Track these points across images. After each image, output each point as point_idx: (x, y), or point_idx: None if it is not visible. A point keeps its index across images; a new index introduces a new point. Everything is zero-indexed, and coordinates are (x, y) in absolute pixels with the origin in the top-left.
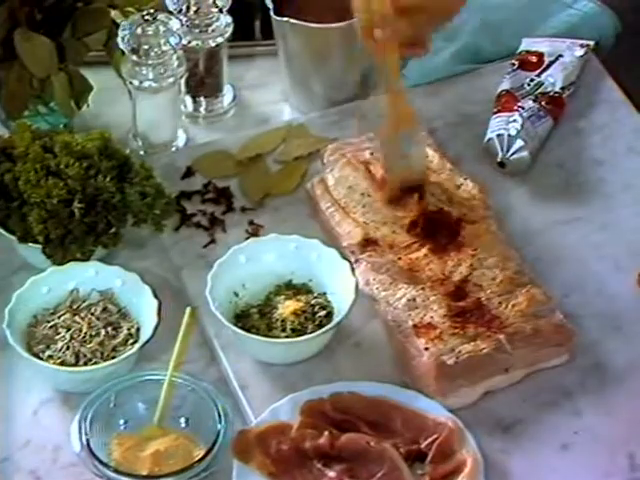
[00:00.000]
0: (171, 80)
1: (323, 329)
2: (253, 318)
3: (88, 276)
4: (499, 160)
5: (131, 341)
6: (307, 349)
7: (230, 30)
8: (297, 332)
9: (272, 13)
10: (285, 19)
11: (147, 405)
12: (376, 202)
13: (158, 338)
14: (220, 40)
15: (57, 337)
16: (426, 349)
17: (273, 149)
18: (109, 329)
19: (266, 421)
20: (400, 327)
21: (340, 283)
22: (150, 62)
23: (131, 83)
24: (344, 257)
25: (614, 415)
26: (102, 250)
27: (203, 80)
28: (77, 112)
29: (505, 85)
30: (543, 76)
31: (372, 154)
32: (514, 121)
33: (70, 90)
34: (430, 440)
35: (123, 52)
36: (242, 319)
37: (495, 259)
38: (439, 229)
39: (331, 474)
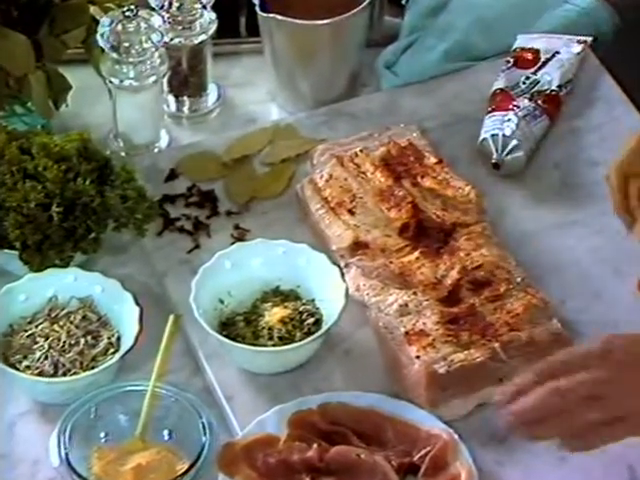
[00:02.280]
0: (153, 79)
1: (312, 337)
2: (239, 326)
3: (67, 283)
4: (494, 161)
5: (112, 350)
6: (295, 358)
7: (214, 27)
8: (285, 340)
9: (258, 9)
10: (271, 15)
11: (129, 417)
12: (367, 204)
13: (140, 347)
14: (204, 37)
15: (35, 347)
16: (417, 357)
17: (259, 150)
18: (89, 338)
19: (253, 433)
20: (392, 334)
21: (329, 289)
22: (131, 60)
23: (111, 82)
24: (333, 262)
25: None
26: (81, 256)
27: (186, 79)
28: (55, 112)
29: (500, 83)
30: (539, 74)
31: (361, 151)
32: (509, 120)
33: (48, 89)
34: (423, 452)
35: (103, 50)
36: (227, 327)
37: (489, 263)
38: (432, 232)
39: None
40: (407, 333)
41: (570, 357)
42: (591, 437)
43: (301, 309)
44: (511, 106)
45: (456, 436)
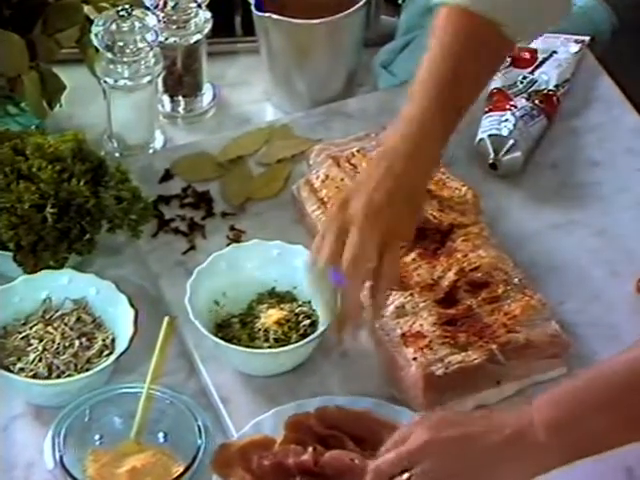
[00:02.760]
0: (148, 79)
1: (308, 339)
2: (234, 328)
3: (61, 285)
4: (491, 161)
5: (106, 352)
6: (291, 360)
7: (209, 26)
8: (280, 342)
9: (253, 8)
10: (267, 14)
11: (123, 419)
12: None
13: (135, 349)
14: (199, 37)
15: (29, 349)
16: (414, 359)
17: (255, 151)
18: (83, 340)
19: (249, 435)
20: (388, 336)
21: None
22: (125, 60)
23: (105, 82)
24: None
25: None
26: (76, 257)
27: (181, 78)
28: (49, 113)
29: (497, 83)
30: (536, 73)
31: (358, 151)
32: (506, 120)
33: (42, 90)
34: None
35: (97, 49)
36: (223, 329)
37: (487, 265)
38: (429, 233)
39: None
40: (404, 335)
41: (397, 434)
42: None
43: (297, 311)
44: (508, 106)
45: None
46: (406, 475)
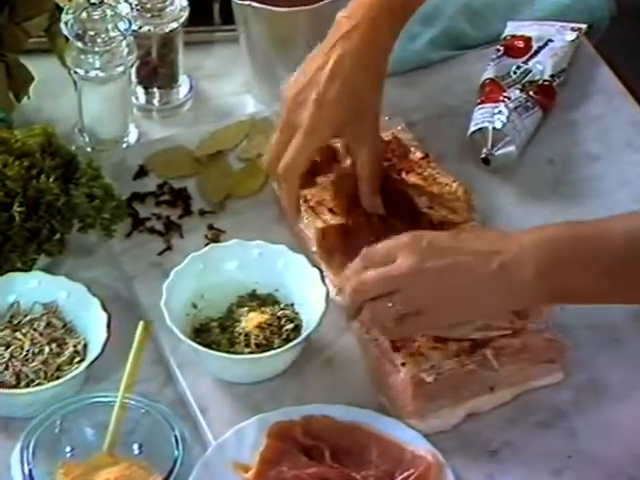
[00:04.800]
0: (120, 69)
1: (291, 344)
2: (213, 332)
3: (30, 288)
4: (483, 156)
5: (78, 359)
6: (273, 366)
7: (186, 14)
8: (262, 347)
9: None
10: (247, 2)
11: (96, 430)
12: None
13: (108, 356)
14: (175, 25)
15: None
16: (403, 365)
17: (235, 145)
18: (53, 346)
19: (230, 443)
20: (376, 340)
21: (309, 293)
22: (97, 50)
23: (76, 73)
24: (313, 264)
25: (612, 436)
26: (45, 259)
27: (156, 69)
28: (16, 105)
29: (489, 73)
30: (531, 63)
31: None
32: (499, 113)
33: (8, 81)
34: (406, 475)
35: (67, 39)
36: (201, 333)
37: None
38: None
39: None
40: (392, 340)
41: (385, 248)
42: (396, 327)
43: (279, 314)
44: (501, 97)
45: (442, 458)
46: (388, 298)
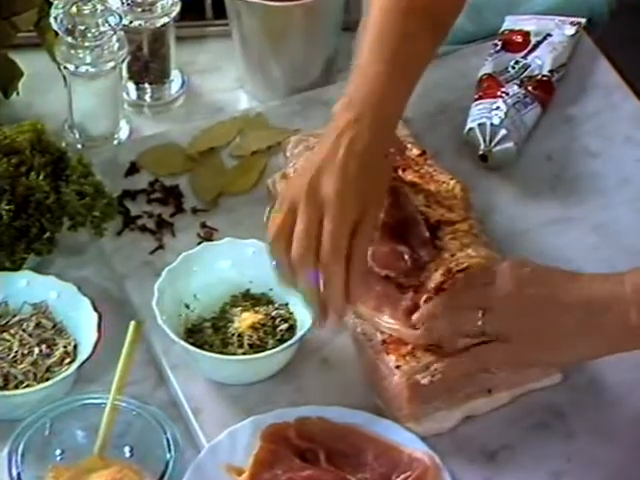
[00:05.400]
0: (111, 65)
1: (285, 344)
2: (206, 333)
3: (19, 287)
4: (481, 152)
5: (68, 360)
6: (267, 367)
7: (177, 9)
8: (256, 348)
9: None
10: None
11: (86, 433)
12: None
13: (98, 356)
14: (166, 20)
15: None
16: (397, 367)
17: (228, 142)
18: (43, 347)
19: (223, 445)
20: (371, 341)
21: None
22: (87, 44)
23: (66, 68)
24: None
25: (611, 438)
26: (35, 258)
27: (148, 65)
28: (5, 101)
29: (487, 68)
30: (529, 58)
31: None
32: (497, 109)
33: None
34: (403, 477)
35: (57, 33)
36: (194, 334)
37: (476, 265)
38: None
39: None
40: (384, 341)
41: (482, 272)
42: (472, 350)
43: (273, 314)
44: (499, 93)
45: (439, 461)
46: (480, 313)
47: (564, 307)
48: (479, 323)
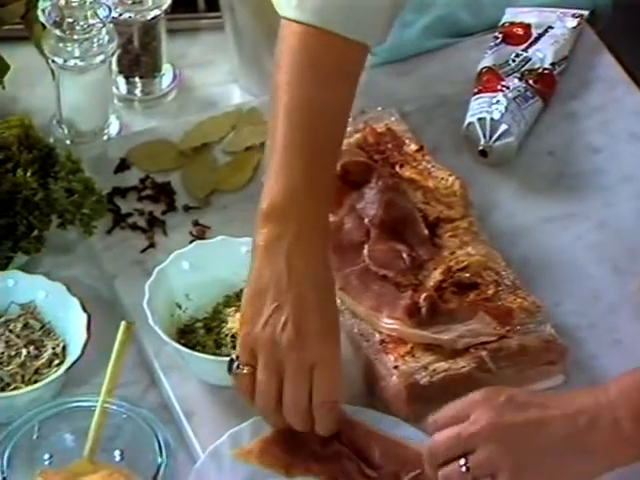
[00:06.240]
0: (100, 58)
1: None
2: (199, 333)
3: (6, 287)
4: (481, 148)
5: (57, 362)
6: None
7: (169, 1)
8: None
9: None
10: None
11: (76, 436)
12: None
13: (88, 358)
14: (157, 12)
15: None
16: (395, 367)
17: (221, 138)
18: (31, 348)
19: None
20: (368, 341)
21: None
22: (76, 37)
23: (54, 62)
24: None
25: None
26: (22, 257)
27: (138, 58)
28: None
29: (487, 62)
30: (530, 51)
31: None
32: (497, 103)
33: None
34: (412, 475)
35: (44, 26)
36: (186, 335)
37: (476, 263)
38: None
39: None
40: (383, 341)
41: (455, 407)
42: None
43: None
44: (500, 87)
45: None
46: (462, 461)
47: (549, 428)
48: (463, 471)
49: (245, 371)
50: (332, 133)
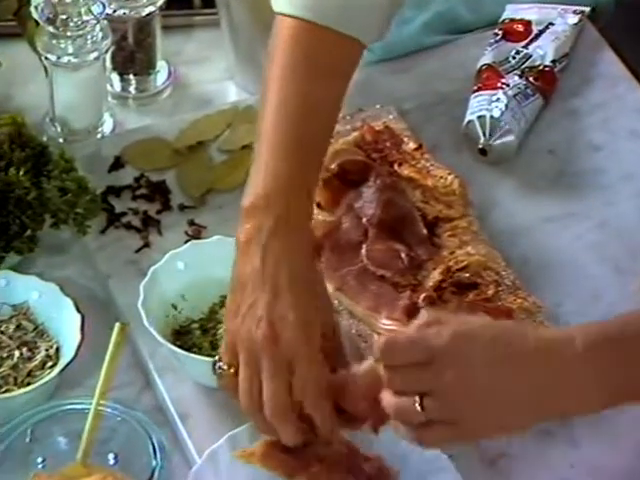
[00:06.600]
0: (94, 55)
1: None
2: (194, 335)
3: None
4: (480, 146)
5: (50, 364)
6: None
7: None
8: None
9: None
10: None
11: (69, 439)
12: None
13: (82, 360)
14: (152, 8)
15: None
16: None
17: (216, 136)
18: (24, 350)
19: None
20: (366, 343)
21: None
22: (69, 34)
23: (47, 59)
24: None
25: (616, 445)
26: (15, 257)
27: (133, 55)
28: None
29: (486, 59)
30: (531, 48)
31: (332, 136)
32: (497, 100)
33: None
34: None
35: (37, 22)
36: (181, 336)
37: (476, 263)
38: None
39: None
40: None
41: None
42: (424, 433)
43: None
44: (500, 84)
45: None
46: (418, 399)
47: (516, 338)
48: (417, 408)
49: (228, 370)
50: (321, 129)
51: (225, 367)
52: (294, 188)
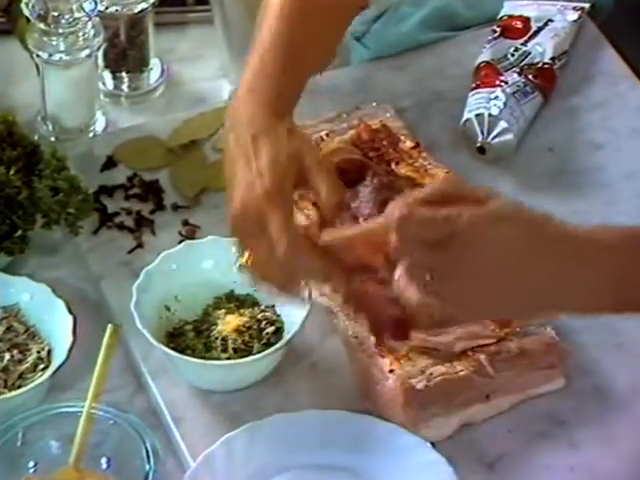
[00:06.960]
0: (86, 52)
1: (272, 348)
2: (188, 337)
3: None
4: (479, 144)
5: (41, 366)
6: (253, 372)
7: None
8: (241, 352)
9: None
10: None
11: (61, 443)
12: None
13: (74, 362)
14: (144, 5)
15: None
16: (391, 371)
17: (210, 135)
18: (15, 352)
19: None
20: (363, 344)
21: None
22: (61, 31)
23: (39, 56)
24: None
25: (616, 448)
26: (6, 257)
27: (125, 52)
28: None
29: (485, 56)
30: (530, 45)
31: (327, 135)
32: (496, 98)
33: None
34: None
35: (28, 19)
36: (175, 338)
37: None
38: None
39: None
40: (379, 344)
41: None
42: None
43: (259, 316)
44: (498, 82)
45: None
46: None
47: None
48: (427, 277)
49: (247, 255)
50: (315, 56)
51: (243, 253)
52: (279, 77)
